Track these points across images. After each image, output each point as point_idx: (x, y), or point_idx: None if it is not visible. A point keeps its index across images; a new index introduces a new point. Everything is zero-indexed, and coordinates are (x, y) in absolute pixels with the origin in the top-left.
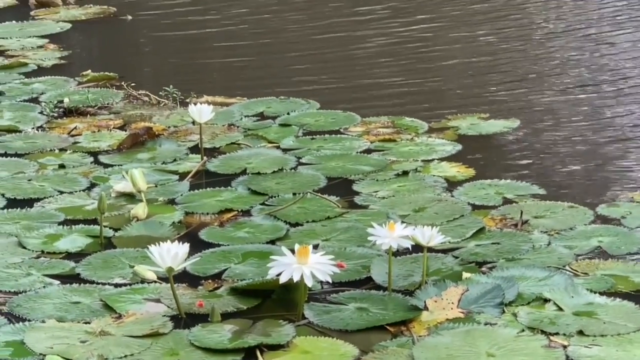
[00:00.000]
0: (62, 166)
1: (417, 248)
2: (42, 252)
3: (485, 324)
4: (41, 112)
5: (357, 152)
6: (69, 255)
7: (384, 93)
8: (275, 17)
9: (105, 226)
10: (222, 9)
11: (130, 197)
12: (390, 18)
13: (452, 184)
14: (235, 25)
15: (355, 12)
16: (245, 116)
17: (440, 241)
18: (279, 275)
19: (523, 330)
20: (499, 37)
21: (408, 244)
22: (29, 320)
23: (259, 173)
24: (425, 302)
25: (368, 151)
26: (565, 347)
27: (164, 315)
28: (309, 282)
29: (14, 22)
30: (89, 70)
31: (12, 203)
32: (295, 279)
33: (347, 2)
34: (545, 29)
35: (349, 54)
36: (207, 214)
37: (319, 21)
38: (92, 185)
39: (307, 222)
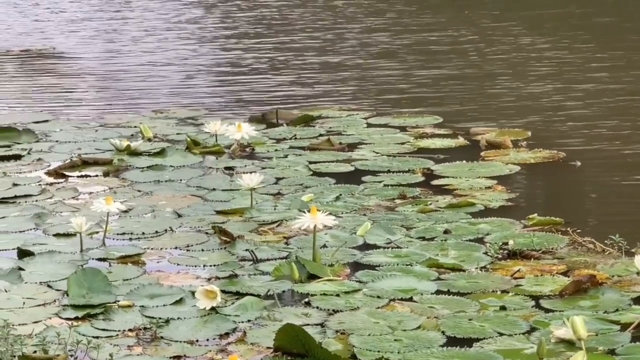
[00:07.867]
0: (503, 308)
1: None
2: None
3: None
4: (485, 253)
5: None
6: None
7: None
8: None
9: None
10: None
11: (570, 344)
12: None
13: None
14: None
15: None
16: None
17: None
18: None
19: None
20: None
21: None
22: None
23: None
24: None
25: None
26: None
27: None
28: None
29: (464, 161)
30: (535, 214)
31: (451, 341)
32: None
33: None
34: None
35: None
36: None
37: None
38: (532, 329)
39: None
